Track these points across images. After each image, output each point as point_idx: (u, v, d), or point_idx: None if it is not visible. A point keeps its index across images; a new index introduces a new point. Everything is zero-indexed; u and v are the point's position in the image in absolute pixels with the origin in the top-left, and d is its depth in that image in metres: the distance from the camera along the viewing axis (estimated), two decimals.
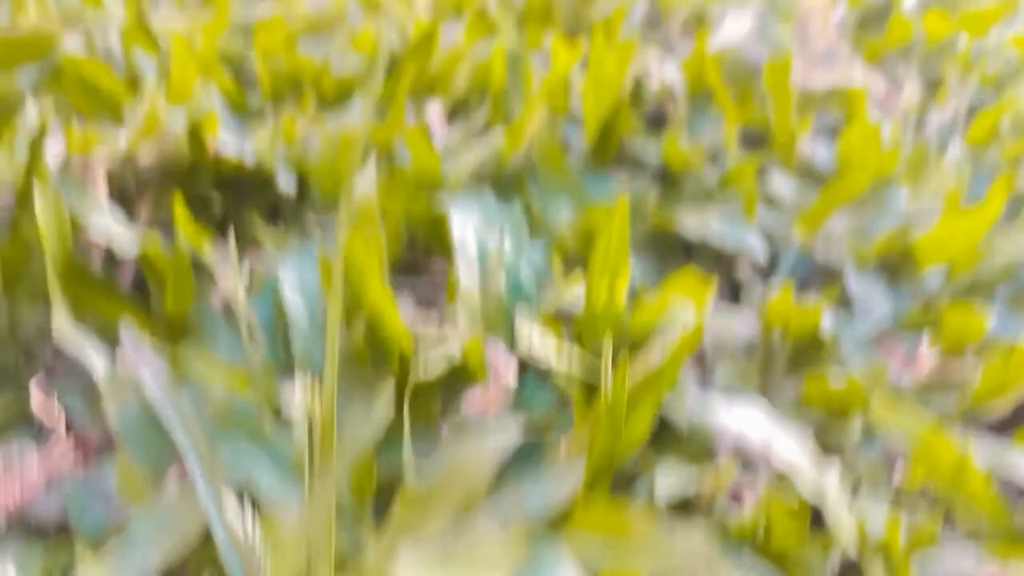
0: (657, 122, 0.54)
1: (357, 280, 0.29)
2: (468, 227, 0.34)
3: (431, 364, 0.28)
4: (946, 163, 0.46)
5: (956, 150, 0.46)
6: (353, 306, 0.30)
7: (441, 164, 0.40)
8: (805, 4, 0.59)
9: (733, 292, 0.41)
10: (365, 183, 0.31)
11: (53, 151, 0.36)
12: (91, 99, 0.44)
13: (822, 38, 0.57)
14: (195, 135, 0.35)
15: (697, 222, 0.39)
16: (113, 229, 0.30)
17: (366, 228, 0.29)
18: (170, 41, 0.38)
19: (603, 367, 0.24)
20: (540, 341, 0.27)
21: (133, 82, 0.48)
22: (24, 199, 0.30)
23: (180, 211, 0.32)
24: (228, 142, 0.36)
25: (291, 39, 0.56)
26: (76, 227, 0.31)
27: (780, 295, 0.32)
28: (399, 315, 0.29)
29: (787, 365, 0.35)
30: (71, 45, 0.45)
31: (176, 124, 0.35)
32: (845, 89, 0.49)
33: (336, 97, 0.50)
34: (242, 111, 0.48)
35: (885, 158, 0.43)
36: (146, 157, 0.34)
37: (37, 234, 0.29)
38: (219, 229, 0.38)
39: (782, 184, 0.42)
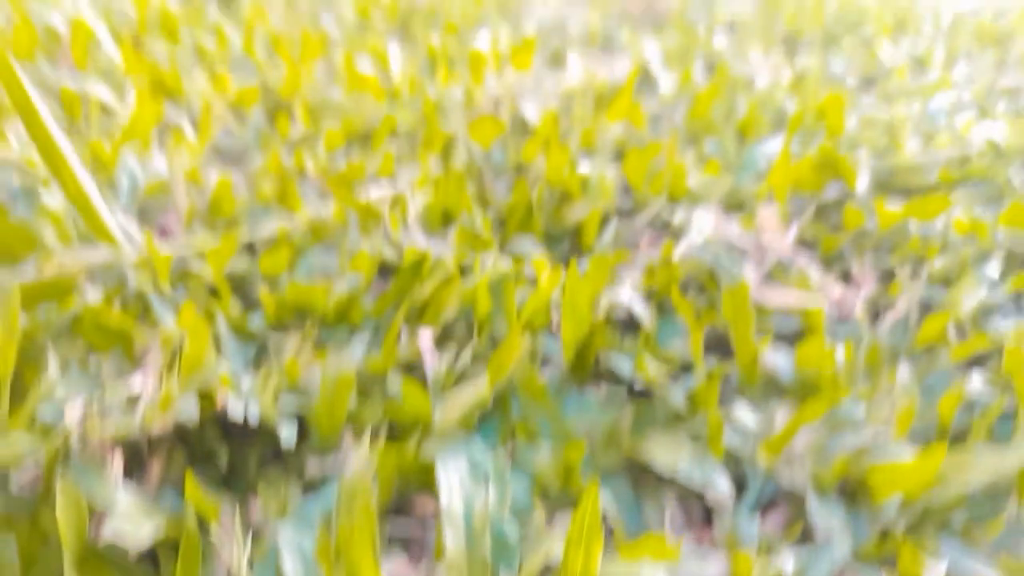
0: (632, 325, 0.58)
1: (351, 562, 0.32)
2: (454, 486, 0.37)
3: None
4: (899, 376, 0.49)
5: (906, 370, 0.50)
6: None
7: (431, 405, 0.43)
8: (762, 215, 0.65)
9: (706, 514, 0.44)
10: (359, 461, 0.34)
11: (72, 415, 0.39)
12: (106, 339, 0.48)
13: (779, 243, 0.62)
14: (206, 398, 0.39)
15: (667, 458, 0.42)
16: (127, 528, 0.33)
17: (359, 511, 0.32)
18: (182, 315, 0.42)
19: None
20: None
21: (148, 314, 0.52)
22: (47, 491, 0.33)
23: (191, 487, 0.35)
24: (235, 405, 0.40)
25: (295, 258, 0.61)
26: (91, 511, 0.34)
27: (740, 559, 0.35)
28: None
29: None
30: (90, 292, 0.50)
31: (188, 403, 0.38)
32: (802, 308, 0.54)
33: (336, 318, 0.54)
34: (246, 338, 0.52)
35: (840, 383, 0.47)
36: (158, 427, 0.38)
37: (55, 521, 0.32)
38: (224, 482, 0.41)
39: (745, 413, 0.46)
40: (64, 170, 0.56)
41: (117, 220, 0.63)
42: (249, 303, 0.57)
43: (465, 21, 1.43)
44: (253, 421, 0.40)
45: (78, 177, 0.56)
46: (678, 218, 0.69)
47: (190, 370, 0.40)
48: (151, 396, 0.39)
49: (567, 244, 0.70)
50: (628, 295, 0.54)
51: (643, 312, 0.53)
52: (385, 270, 0.64)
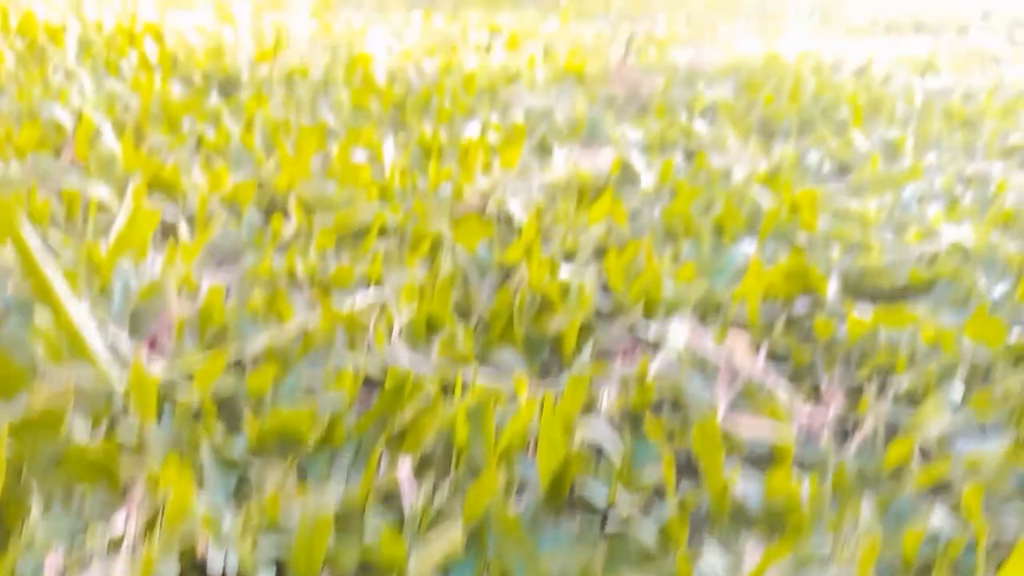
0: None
1: None
2: None
3: None
4: (863, 511, 0.51)
5: (869, 506, 0.51)
6: None
7: (406, 551, 0.45)
8: (732, 339, 0.67)
9: None
10: None
11: (51, 568, 0.40)
12: (91, 472, 0.50)
13: (749, 365, 0.64)
14: (187, 552, 0.40)
15: None
16: None
17: None
18: (167, 467, 0.43)
19: None
20: None
21: (138, 443, 0.54)
22: None
23: None
24: (215, 557, 0.41)
25: (281, 374, 0.63)
26: None
27: None
28: None
29: None
30: (76, 421, 0.52)
31: (169, 567, 0.40)
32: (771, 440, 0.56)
33: (318, 442, 0.56)
34: (228, 466, 0.53)
35: (806, 518, 0.48)
36: None
37: None
38: None
39: (714, 556, 0.47)
40: (51, 297, 0.58)
41: (108, 334, 0.65)
42: (233, 423, 0.59)
43: (457, 107, 1.48)
44: (232, 574, 0.41)
45: (65, 305, 0.58)
46: (653, 332, 0.71)
47: (172, 526, 0.41)
48: (132, 546, 0.40)
49: (547, 353, 0.72)
50: (600, 431, 0.55)
51: (614, 448, 0.55)
52: (369, 382, 0.65)
